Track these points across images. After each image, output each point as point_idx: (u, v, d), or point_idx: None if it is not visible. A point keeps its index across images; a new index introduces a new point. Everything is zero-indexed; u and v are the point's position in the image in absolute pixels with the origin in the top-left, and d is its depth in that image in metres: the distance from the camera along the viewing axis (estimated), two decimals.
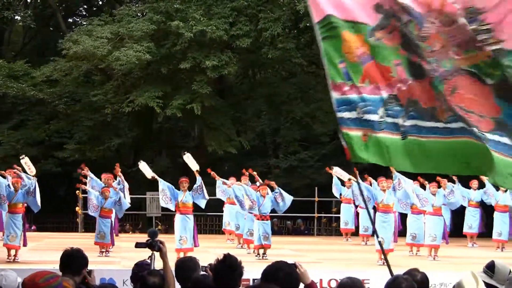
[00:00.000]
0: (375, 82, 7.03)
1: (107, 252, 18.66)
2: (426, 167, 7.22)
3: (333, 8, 7.08)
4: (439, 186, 19.89)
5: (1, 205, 17.86)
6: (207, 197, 18.87)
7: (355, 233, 24.42)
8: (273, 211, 19.37)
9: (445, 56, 6.67)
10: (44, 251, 19.51)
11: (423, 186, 20.01)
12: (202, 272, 6.82)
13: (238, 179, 20.98)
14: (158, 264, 7.08)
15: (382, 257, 17.75)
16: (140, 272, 6.99)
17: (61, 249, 6.80)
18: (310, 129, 35.71)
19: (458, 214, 23.57)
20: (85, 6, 42.60)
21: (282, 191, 19.13)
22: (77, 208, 26.38)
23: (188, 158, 19.54)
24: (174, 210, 18.84)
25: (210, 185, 22.21)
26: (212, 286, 6.07)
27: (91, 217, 19.77)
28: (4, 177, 19.06)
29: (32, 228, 28.17)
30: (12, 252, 17.55)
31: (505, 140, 6.38)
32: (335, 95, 7.12)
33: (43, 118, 34.53)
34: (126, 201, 19.80)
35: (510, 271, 6.00)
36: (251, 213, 19.57)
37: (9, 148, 32.41)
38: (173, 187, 18.62)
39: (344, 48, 7.08)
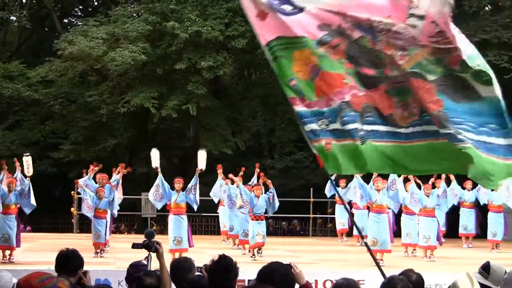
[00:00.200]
0: (327, 94, 7.11)
1: (102, 252, 18.64)
2: (389, 169, 7.35)
3: (280, 30, 7.13)
4: (434, 187, 19.94)
5: None
6: (198, 203, 18.90)
7: (350, 233, 24.44)
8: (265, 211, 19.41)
9: (400, 59, 6.76)
10: (39, 251, 19.50)
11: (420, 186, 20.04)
12: (197, 273, 6.82)
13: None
14: (154, 265, 7.08)
15: (377, 257, 17.82)
16: (135, 273, 6.99)
17: (56, 249, 6.80)
18: None
19: (453, 215, 23.60)
20: (81, 7, 42.54)
21: (275, 194, 19.23)
22: (72, 209, 26.38)
23: (201, 155, 19.60)
24: (165, 209, 18.89)
25: (207, 186, 22.25)
26: (208, 286, 6.08)
27: (86, 217, 19.76)
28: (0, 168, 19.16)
29: (27, 228, 28.16)
30: (7, 252, 17.54)
31: (451, 131, 6.50)
32: (296, 108, 7.18)
33: (39, 118, 34.52)
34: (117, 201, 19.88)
35: (505, 272, 6.00)
36: (243, 213, 19.63)
37: (4, 148, 32.36)
38: (169, 187, 18.63)
39: (295, 67, 7.13)
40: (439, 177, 20.55)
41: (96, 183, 20.11)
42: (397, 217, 21.11)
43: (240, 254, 19.14)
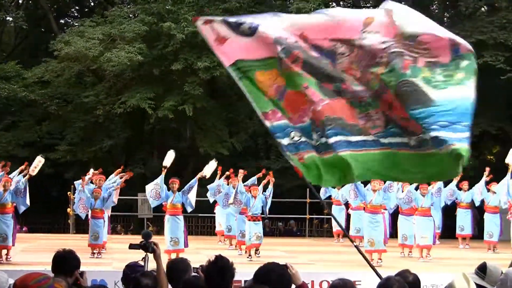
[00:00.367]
0: (296, 113, 7.16)
1: (99, 254, 18.62)
2: (364, 176, 7.45)
3: (240, 52, 7.21)
4: (429, 184, 19.99)
5: None
6: (193, 206, 18.89)
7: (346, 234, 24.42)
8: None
9: (367, 79, 6.85)
10: (36, 252, 19.49)
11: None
12: (193, 274, 6.83)
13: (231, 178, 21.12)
14: (151, 266, 7.08)
15: (373, 258, 17.84)
16: (132, 273, 6.99)
17: (52, 250, 6.79)
18: None
19: (449, 216, 23.64)
20: (77, 7, 42.51)
21: (271, 194, 19.34)
22: (68, 210, 26.37)
23: (211, 165, 19.63)
24: (162, 210, 18.88)
25: (204, 187, 22.26)
26: (204, 287, 6.08)
27: (83, 219, 19.74)
28: None
29: (24, 229, 28.14)
30: (4, 252, 17.53)
31: (426, 136, 6.57)
32: (268, 123, 7.26)
33: (35, 119, 34.49)
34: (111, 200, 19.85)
35: (501, 273, 6.01)
36: (242, 213, 19.66)
37: (0, 149, 32.34)
38: (167, 189, 18.64)
39: (262, 84, 7.21)
40: None
41: (91, 183, 20.12)
42: (394, 218, 21.11)
43: (237, 255, 19.15)
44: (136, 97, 29.66)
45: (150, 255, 7.11)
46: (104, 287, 7.43)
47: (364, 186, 19.43)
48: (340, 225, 20.48)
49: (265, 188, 19.89)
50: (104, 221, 19.03)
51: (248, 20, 7.28)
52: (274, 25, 7.19)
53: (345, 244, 23.65)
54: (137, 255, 7.26)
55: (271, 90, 7.18)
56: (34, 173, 18.69)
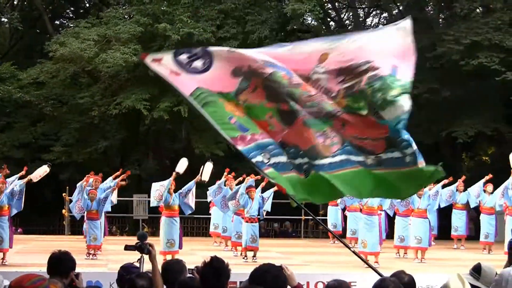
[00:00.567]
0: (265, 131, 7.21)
1: (94, 256, 18.62)
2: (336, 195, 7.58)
3: (198, 83, 7.25)
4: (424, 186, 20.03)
5: None
6: (193, 209, 18.90)
7: (343, 235, 24.44)
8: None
9: (322, 100, 6.97)
10: (31, 253, 19.48)
11: None
12: (189, 275, 6.83)
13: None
14: (146, 267, 7.08)
15: (371, 260, 17.86)
16: (127, 275, 6.98)
17: (47, 251, 6.78)
18: None
19: (445, 217, 23.67)
20: (72, 9, 42.46)
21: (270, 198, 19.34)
22: (63, 211, 26.33)
23: (208, 167, 19.52)
24: (157, 211, 18.89)
25: (199, 188, 22.22)
26: None
27: (78, 219, 19.73)
28: None
29: (19, 230, 28.08)
30: (0, 255, 17.50)
31: (396, 154, 6.86)
32: (240, 147, 7.27)
33: (30, 120, 34.43)
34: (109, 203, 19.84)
35: (496, 274, 6.03)
36: (238, 215, 19.67)
37: None
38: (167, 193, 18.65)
39: (228, 108, 7.22)
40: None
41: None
42: (391, 219, 21.12)
43: (232, 256, 19.15)
44: (132, 98, 29.66)
45: (146, 256, 7.11)
46: None
47: None
48: (327, 228, 20.45)
49: (263, 190, 19.88)
50: (100, 223, 19.03)
51: (203, 54, 7.30)
52: (229, 57, 7.24)
53: (340, 245, 23.64)
54: (133, 256, 7.26)
55: (239, 108, 7.20)
56: (35, 180, 18.62)
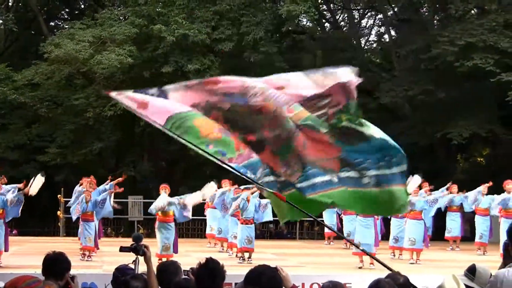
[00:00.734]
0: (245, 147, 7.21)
1: (89, 257, 18.60)
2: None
3: (167, 110, 7.17)
4: (420, 188, 20.02)
5: None
6: (190, 216, 18.82)
7: (337, 237, 24.45)
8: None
9: (283, 117, 6.93)
10: (26, 255, 19.43)
11: None
12: (184, 276, 6.82)
13: (220, 185, 21.05)
14: (141, 268, 7.07)
15: (363, 260, 17.87)
16: (122, 276, 6.98)
17: (42, 253, 6.76)
18: None
19: (440, 218, 23.70)
20: (67, 10, 42.43)
21: (269, 205, 19.21)
22: (58, 212, 26.30)
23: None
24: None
25: (194, 190, 22.20)
26: None
27: (73, 221, 19.71)
28: None
29: (14, 232, 28.04)
30: None
31: (351, 174, 6.94)
32: (233, 165, 7.16)
33: (25, 121, 34.40)
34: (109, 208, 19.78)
35: (491, 275, 6.03)
36: (234, 216, 19.64)
37: None
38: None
39: (203, 132, 7.08)
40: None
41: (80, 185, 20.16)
42: (387, 220, 21.13)
43: (227, 257, 19.15)
44: None
45: (141, 258, 7.10)
46: None
47: None
48: (337, 233, 20.44)
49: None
50: (95, 225, 19.03)
51: (159, 94, 7.31)
52: (186, 94, 7.22)
53: (336, 247, 23.69)
54: (128, 258, 7.25)
55: (215, 129, 7.08)
56: (34, 193, 18.44)
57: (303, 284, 15.20)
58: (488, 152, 37.24)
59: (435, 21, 35.48)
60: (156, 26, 29.31)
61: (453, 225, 23.41)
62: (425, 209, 20.35)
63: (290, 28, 33.51)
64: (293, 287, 6.08)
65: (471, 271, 6.16)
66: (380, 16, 41.38)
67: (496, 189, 21.78)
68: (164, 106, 7.18)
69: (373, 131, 6.93)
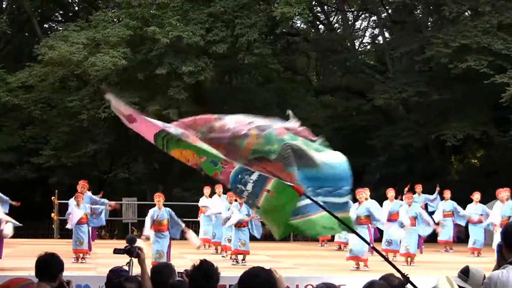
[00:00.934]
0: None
1: (83, 259, 18.58)
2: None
3: (154, 127, 7.27)
4: (414, 192, 20.06)
5: None
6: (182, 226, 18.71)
7: (331, 239, 24.46)
8: None
9: (236, 155, 6.84)
10: (20, 257, 19.39)
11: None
12: (178, 278, 6.82)
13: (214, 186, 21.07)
14: (135, 270, 7.07)
15: (353, 264, 17.85)
16: (116, 278, 6.97)
17: (36, 255, 6.72)
18: None
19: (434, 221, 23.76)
20: (61, 12, 42.41)
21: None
22: (52, 214, 26.26)
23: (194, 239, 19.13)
24: (146, 214, 18.81)
25: (188, 191, 22.20)
26: None
27: (67, 223, 19.70)
28: None
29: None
30: None
31: (306, 201, 6.71)
32: (233, 169, 7.05)
33: (19, 123, 34.38)
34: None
35: (484, 276, 6.04)
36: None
37: None
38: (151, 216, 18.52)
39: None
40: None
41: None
42: None
43: (221, 259, 19.14)
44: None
45: (135, 260, 7.09)
46: None
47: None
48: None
49: None
50: (87, 227, 19.00)
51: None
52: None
53: (330, 249, 23.70)
54: (122, 260, 7.24)
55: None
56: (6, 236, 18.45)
57: (297, 286, 15.18)
58: (482, 153, 37.31)
59: (429, 23, 35.51)
60: (150, 28, 29.29)
61: (445, 229, 23.45)
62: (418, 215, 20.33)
63: (284, 30, 33.54)
64: None
65: (465, 273, 6.18)
66: (374, 18, 41.47)
67: (489, 192, 21.80)
68: (150, 123, 7.22)
69: (323, 157, 6.77)
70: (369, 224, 18.85)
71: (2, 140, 33.44)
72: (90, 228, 19.59)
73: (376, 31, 43.09)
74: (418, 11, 36.64)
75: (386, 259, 7.22)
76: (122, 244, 7.25)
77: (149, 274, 6.82)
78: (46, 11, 41.36)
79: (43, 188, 34.84)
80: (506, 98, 26.67)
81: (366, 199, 18.74)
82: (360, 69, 37.29)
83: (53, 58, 29.40)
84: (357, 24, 44.67)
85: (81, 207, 18.78)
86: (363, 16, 43.80)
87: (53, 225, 27.62)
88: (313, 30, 41.90)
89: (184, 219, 28.28)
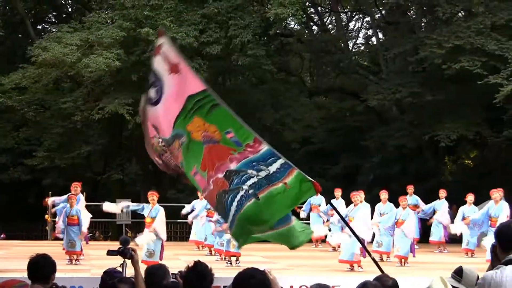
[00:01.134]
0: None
1: (77, 261, 18.55)
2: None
3: (165, 124, 7.50)
4: (406, 193, 20.12)
5: None
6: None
7: (325, 240, 24.45)
8: None
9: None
10: (13, 259, 19.36)
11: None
12: (172, 280, 6.82)
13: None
14: (128, 272, 7.07)
15: (347, 266, 17.86)
16: (109, 279, 6.97)
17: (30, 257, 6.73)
18: (281, 136, 35.77)
19: (426, 221, 23.80)
20: (54, 13, 42.37)
21: None
22: (46, 216, 26.21)
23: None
24: (141, 216, 18.78)
25: (181, 192, 22.17)
26: None
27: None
28: None
29: (1, 236, 27.97)
30: None
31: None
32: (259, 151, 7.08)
33: (12, 125, 34.34)
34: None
35: (477, 277, 6.05)
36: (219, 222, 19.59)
37: None
38: (141, 205, 18.48)
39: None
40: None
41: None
42: None
43: (215, 261, 19.12)
44: (114, 103, 29.58)
45: (128, 261, 7.09)
46: None
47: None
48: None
49: None
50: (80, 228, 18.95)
51: (155, 79, 7.52)
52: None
53: (324, 249, 23.70)
54: (115, 261, 7.24)
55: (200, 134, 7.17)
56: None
57: (291, 287, 15.20)
58: (476, 154, 37.36)
59: (422, 24, 35.57)
60: (144, 29, 29.26)
61: (436, 229, 23.50)
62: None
63: (277, 31, 33.56)
64: None
65: (458, 273, 6.19)
66: (367, 19, 41.52)
67: (482, 193, 21.82)
68: (162, 117, 7.52)
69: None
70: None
71: None
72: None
73: (370, 32, 43.17)
74: (411, 12, 36.69)
75: (374, 261, 7.24)
76: (116, 245, 7.25)
77: (143, 276, 6.81)
78: (39, 13, 41.34)
79: (37, 190, 34.79)
80: (499, 98, 26.70)
81: (361, 201, 18.67)
82: (353, 70, 37.32)
83: (47, 59, 29.36)
84: (351, 25, 44.80)
85: (74, 208, 18.71)
86: (356, 17, 43.90)
87: (46, 227, 27.58)
88: (306, 31, 41.95)
89: (178, 221, 28.47)
